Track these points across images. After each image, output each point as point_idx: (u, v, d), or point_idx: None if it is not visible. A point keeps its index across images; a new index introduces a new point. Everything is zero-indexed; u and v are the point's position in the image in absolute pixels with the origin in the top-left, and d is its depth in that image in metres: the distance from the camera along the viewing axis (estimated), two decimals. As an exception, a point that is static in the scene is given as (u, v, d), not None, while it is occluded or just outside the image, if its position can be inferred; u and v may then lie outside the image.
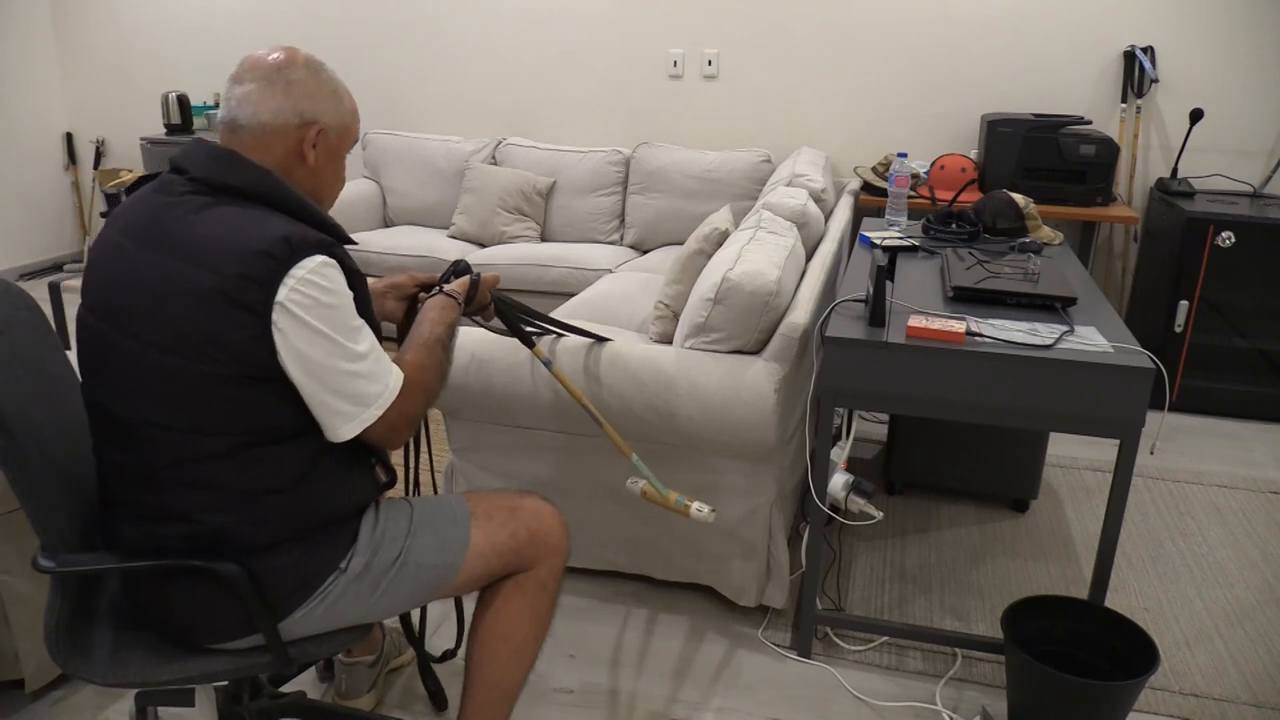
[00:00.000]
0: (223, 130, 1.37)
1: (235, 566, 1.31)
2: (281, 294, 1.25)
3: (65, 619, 1.34)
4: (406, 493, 1.80)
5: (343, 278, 1.32)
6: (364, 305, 1.38)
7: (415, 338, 1.50)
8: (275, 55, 1.38)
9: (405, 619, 1.87)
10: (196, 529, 1.31)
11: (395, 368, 1.40)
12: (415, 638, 1.90)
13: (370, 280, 1.71)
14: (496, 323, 1.83)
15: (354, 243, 1.44)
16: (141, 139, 4.65)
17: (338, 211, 4.18)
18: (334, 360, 1.30)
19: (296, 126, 1.37)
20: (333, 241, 1.33)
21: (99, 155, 5.11)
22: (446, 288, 1.62)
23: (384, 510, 1.49)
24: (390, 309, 1.68)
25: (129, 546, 1.34)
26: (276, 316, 1.25)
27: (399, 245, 4.02)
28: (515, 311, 1.84)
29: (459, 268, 1.68)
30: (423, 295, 1.68)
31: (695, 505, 1.83)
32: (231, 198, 1.31)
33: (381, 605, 1.46)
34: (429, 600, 1.53)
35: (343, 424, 1.34)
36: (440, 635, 2.17)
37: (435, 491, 1.91)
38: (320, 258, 1.29)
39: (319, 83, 1.40)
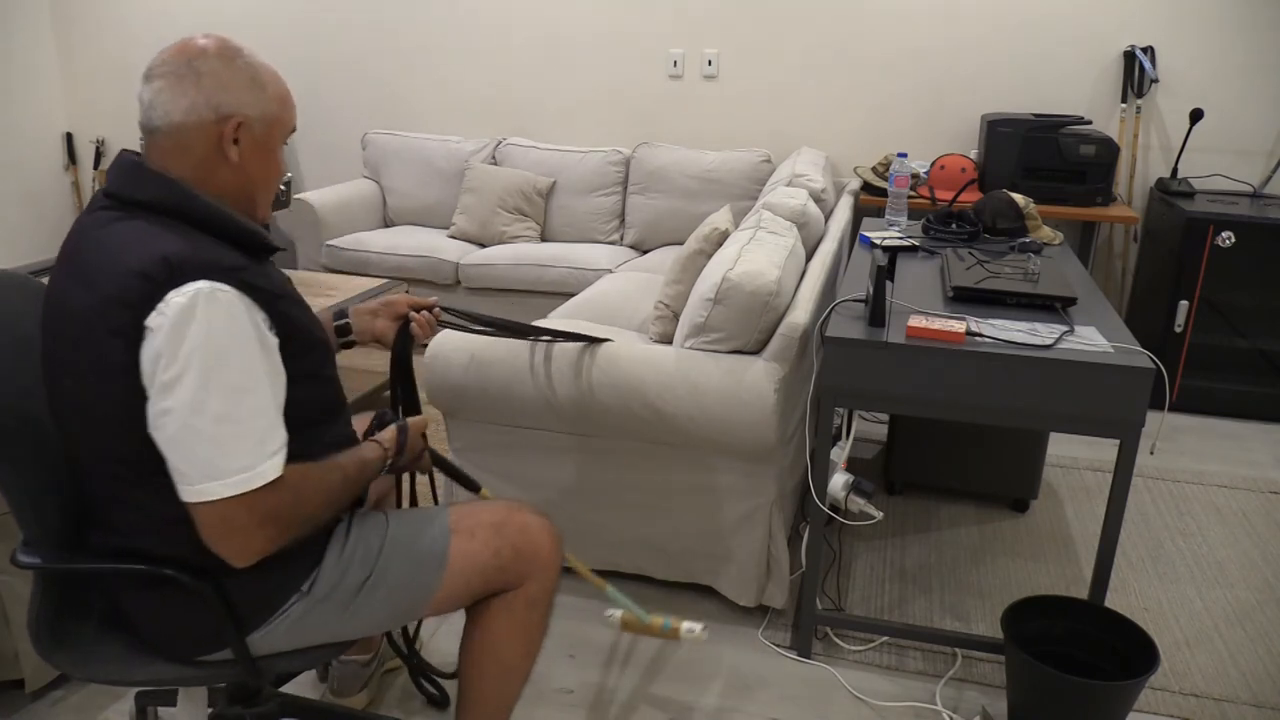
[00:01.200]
0: (142, 135, 1.28)
1: (198, 579, 1.25)
2: (152, 319, 1.14)
3: (47, 613, 1.35)
4: (399, 499, 1.78)
5: (236, 313, 1.18)
6: (287, 323, 1.26)
7: (327, 460, 1.34)
8: (185, 46, 1.26)
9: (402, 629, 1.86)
10: (135, 545, 1.27)
11: (277, 458, 1.21)
12: (406, 648, 1.88)
13: (364, 302, 1.69)
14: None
15: (278, 249, 1.34)
16: (141, 139, 4.64)
17: (337, 213, 4.18)
18: (179, 405, 1.15)
19: (213, 123, 1.26)
20: (235, 267, 1.20)
21: (99, 155, 5.11)
22: (376, 436, 1.46)
23: (356, 528, 1.42)
24: (381, 328, 1.66)
25: (100, 553, 1.32)
26: (145, 343, 1.15)
27: (399, 245, 4.01)
28: (450, 463, 1.70)
29: (383, 419, 1.52)
30: (414, 315, 1.66)
31: (685, 625, 1.79)
32: (141, 212, 1.22)
33: (352, 625, 1.40)
34: (408, 620, 1.47)
35: (180, 483, 1.18)
36: (439, 637, 2.17)
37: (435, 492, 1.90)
38: (204, 284, 1.15)
39: (233, 71, 1.27)
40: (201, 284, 1.15)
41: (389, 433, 1.47)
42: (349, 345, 1.67)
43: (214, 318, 1.16)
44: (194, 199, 1.24)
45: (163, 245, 1.17)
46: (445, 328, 1.78)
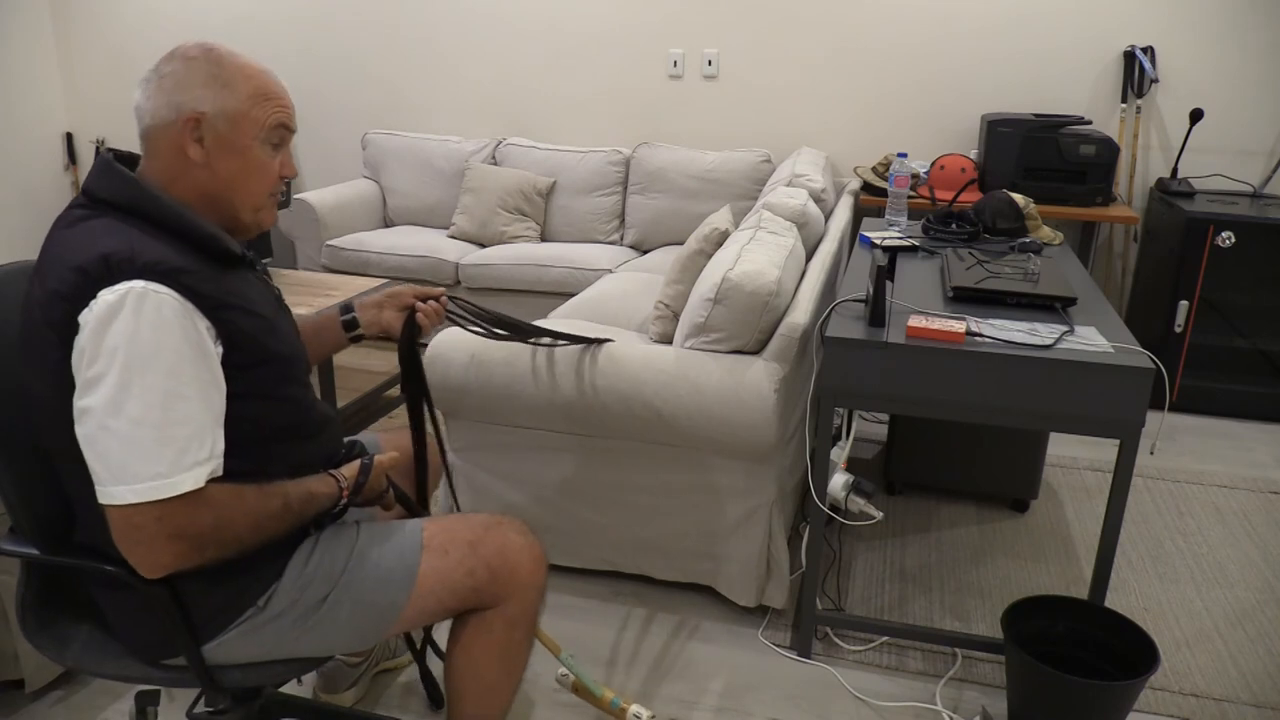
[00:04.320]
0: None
1: (150, 583, 1.21)
2: (83, 315, 1.13)
3: (31, 599, 1.37)
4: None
5: (168, 315, 1.15)
6: (235, 333, 1.23)
7: (270, 485, 1.28)
8: (168, 53, 1.29)
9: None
10: (97, 542, 1.25)
11: (198, 470, 1.16)
12: (413, 645, 1.88)
13: (370, 295, 1.67)
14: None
15: (242, 254, 1.31)
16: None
17: (337, 212, 4.18)
18: (97, 403, 1.13)
19: (172, 123, 1.26)
20: (179, 269, 1.17)
21: (99, 155, 5.11)
22: (335, 471, 1.39)
23: (323, 542, 1.38)
24: (388, 320, 1.64)
25: (79, 548, 1.31)
26: (76, 338, 1.14)
27: (399, 245, 4.01)
28: (411, 501, 1.63)
29: (352, 450, 1.49)
30: (420, 305, 1.64)
31: (633, 709, 1.79)
32: (109, 210, 1.22)
33: (312, 642, 1.36)
34: (375, 639, 1.41)
35: (95, 483, 1.15)
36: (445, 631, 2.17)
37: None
38: (138, 283, 1.13)
39: (192, 71, 1.26)
40: (135, 283, 1.14)
41: (350, 469, 1.40)
42: (357, 340, 1.67)
43: (142, 318, 1.13)
44: (152, 198, 1.23)
45: (107, 242, 1.16)
46: (452, 318, 1.75)
